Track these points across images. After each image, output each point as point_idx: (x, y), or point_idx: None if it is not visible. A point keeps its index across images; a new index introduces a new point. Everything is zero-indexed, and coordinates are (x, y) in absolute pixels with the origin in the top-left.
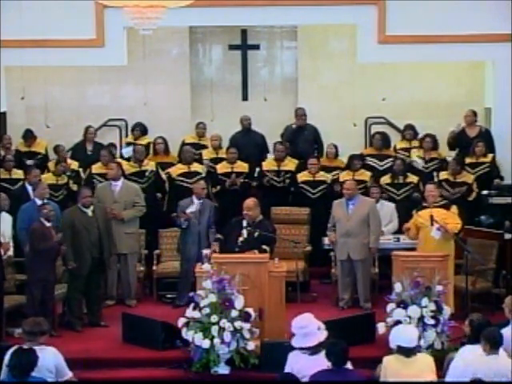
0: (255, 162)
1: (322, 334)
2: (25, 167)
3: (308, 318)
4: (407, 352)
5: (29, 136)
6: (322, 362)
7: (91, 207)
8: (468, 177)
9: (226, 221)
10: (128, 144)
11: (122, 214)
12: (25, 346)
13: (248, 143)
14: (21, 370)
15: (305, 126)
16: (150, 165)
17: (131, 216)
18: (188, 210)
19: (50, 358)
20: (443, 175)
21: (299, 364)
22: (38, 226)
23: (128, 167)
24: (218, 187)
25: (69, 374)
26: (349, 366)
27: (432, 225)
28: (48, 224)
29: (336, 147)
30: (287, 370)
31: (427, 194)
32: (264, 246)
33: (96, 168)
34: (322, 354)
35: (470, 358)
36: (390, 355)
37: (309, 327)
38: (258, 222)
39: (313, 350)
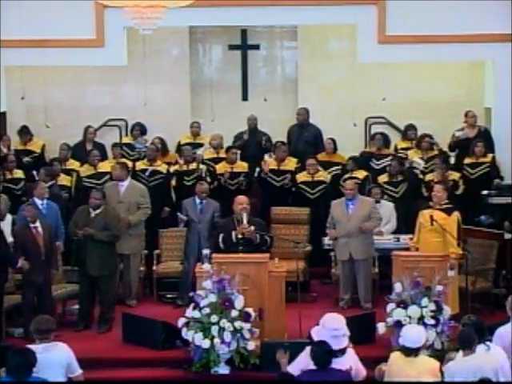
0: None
1: (347, 339)
2: (24, 168)
3: (341, 321)
4: (408, 351)
5: (24, 132)
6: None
7: (98, 209)
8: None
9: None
10: (138, 141)
11: (129, 218)
12: (33, 345)
13: (252, 143)
14: (20, 371)
15: (307, 126)
16: (162, 166)
17: (137, 220)
18: (180, 216)
19: (62, 353)
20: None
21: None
22: (21, 228)
23: (140, 164)
24: (216, 183)
25: (79, 371)
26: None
27: (432, 225)
28: (33, 225)
29: (334, 141)
30: (293, 364)
31: (433, 194)
32: (266, 237)
33: (84, 170)
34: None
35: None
36: (397, 351)
37: (340, 331)
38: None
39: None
